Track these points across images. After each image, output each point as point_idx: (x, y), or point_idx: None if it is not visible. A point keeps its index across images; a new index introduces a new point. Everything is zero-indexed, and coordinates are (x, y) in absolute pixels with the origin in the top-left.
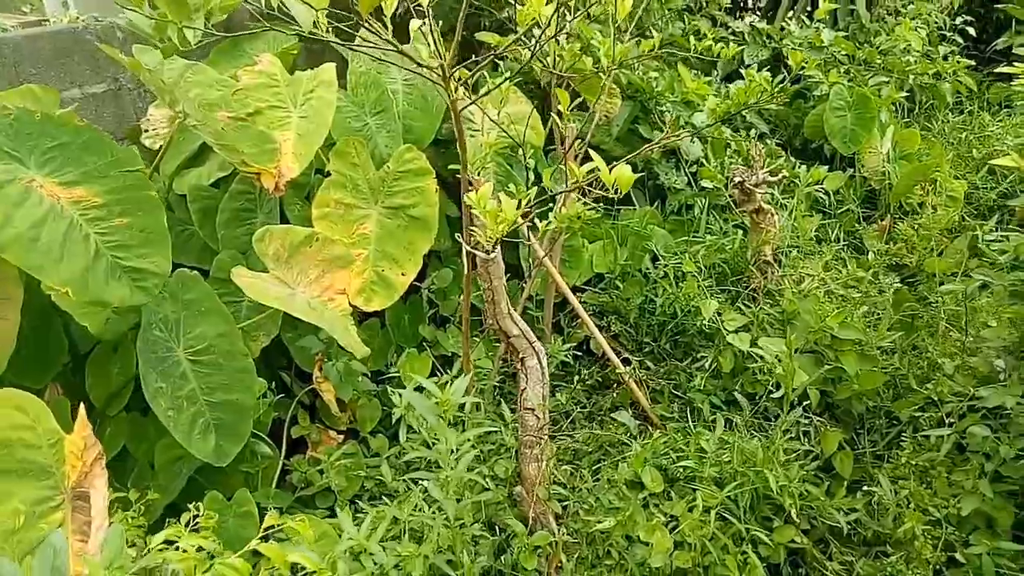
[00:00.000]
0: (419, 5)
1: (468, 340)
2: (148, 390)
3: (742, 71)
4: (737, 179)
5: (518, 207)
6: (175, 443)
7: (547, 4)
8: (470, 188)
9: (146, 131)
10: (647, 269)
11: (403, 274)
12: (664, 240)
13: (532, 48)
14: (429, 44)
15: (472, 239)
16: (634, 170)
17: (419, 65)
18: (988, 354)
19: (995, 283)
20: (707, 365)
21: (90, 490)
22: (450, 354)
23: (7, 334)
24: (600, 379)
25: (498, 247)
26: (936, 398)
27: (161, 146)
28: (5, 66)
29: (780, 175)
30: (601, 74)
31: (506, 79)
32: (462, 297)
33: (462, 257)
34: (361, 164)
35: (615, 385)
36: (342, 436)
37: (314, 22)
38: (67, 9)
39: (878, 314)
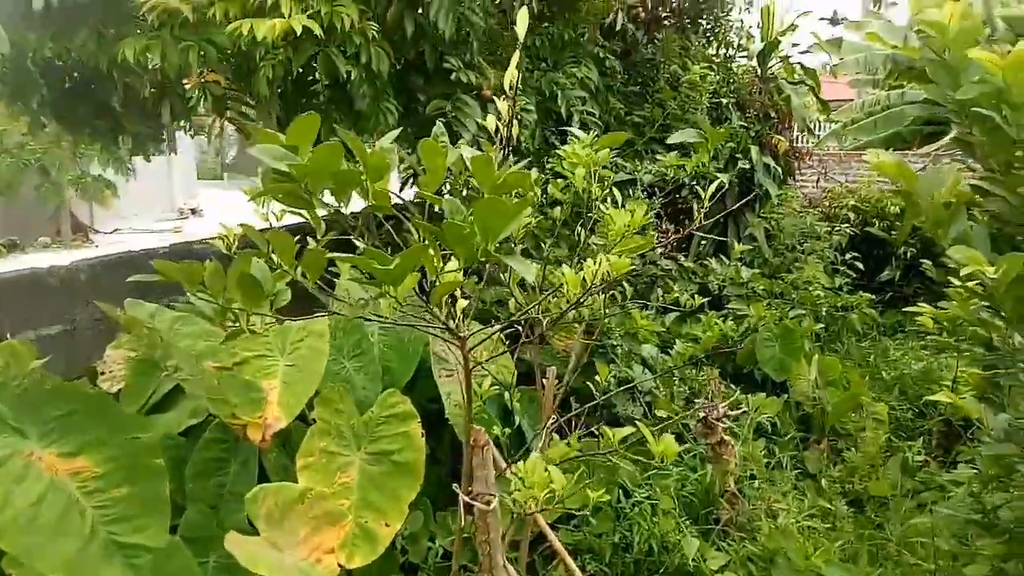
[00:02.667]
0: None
1: None
2: None
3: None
4: (701, 413)
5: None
6: None
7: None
8: (472, 444)
9: (102, 373)
10: (616, 503)
11: (387, 525)
12: (628, 472)
13: (531, 309)
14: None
15: (469, 490)
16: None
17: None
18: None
19: (955, 514)
20: None
21: None
22: None
23: None
24: None
25: (496, 498)
26: None
27: (119, 389)
28: None
29: (741, 409)
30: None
31: (498, 330)
32: (436, 543)
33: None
34: (345, 411)
35: None
36: None
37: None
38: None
39: (849, 546)
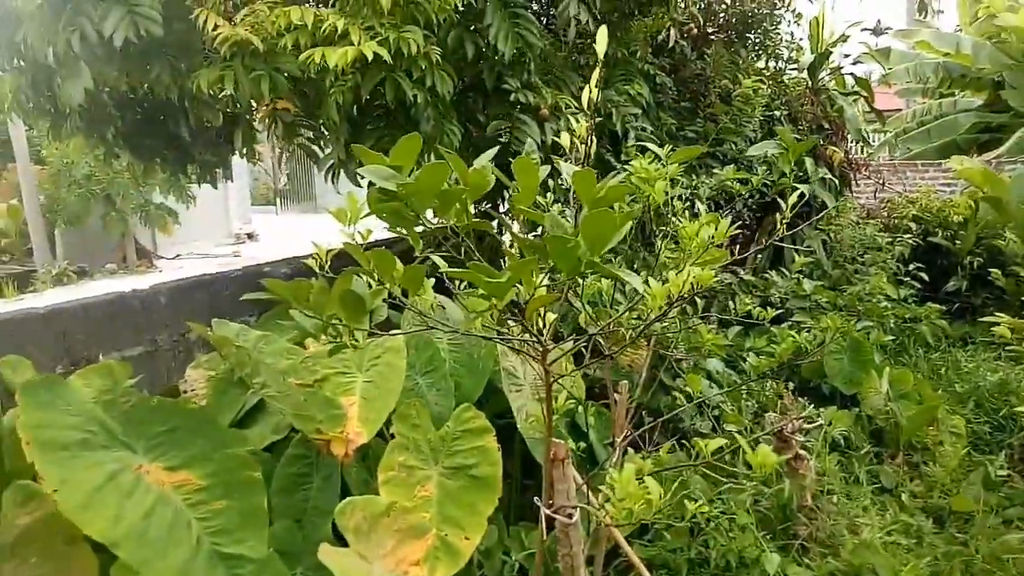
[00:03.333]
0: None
1: None
2: None
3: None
4: (776, 427)
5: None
6: None
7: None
8: (552, 457)
9: (184, 392)
10: (692, 519)
11: (467, 539)
12: (700, 484)
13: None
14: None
15: (550, 503)
16: (657, 416)
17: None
18: None
19: None
20: None
21: None
22: None
23: None
24: None
25: (577, 512)
26: None
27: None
28: (56, 334)
29: (816, 422)
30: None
31: (581, 343)
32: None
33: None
34: (422, 425)
35: None
36: None
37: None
38: (55, 259)
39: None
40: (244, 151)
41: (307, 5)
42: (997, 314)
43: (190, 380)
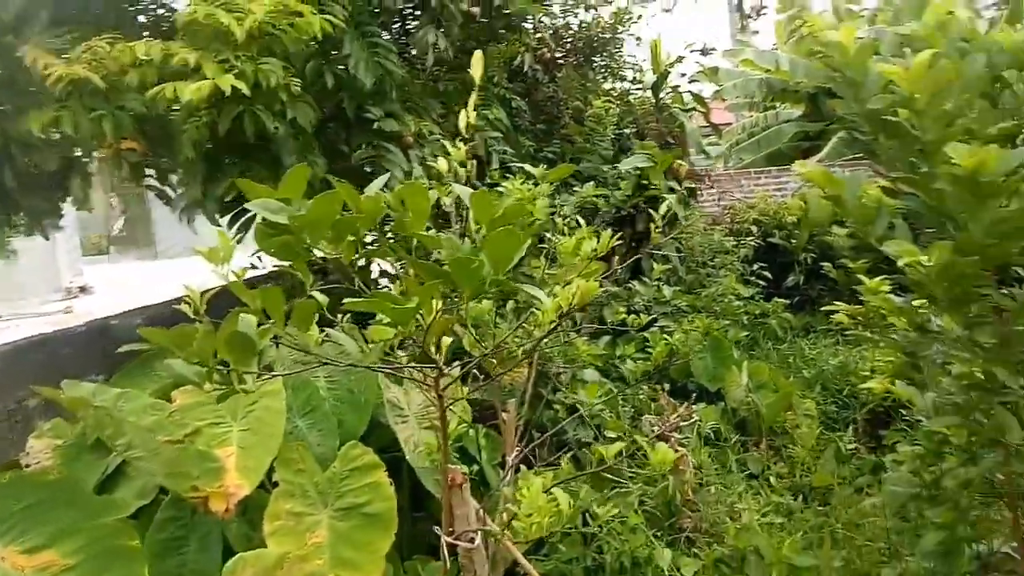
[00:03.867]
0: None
1: None
2: None
3: None
4: (656, 428)
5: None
6: None
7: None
8: (450, 484)
9: (27, 466)
10: (584, 526)
11: None
12: (588, 495)
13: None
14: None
15: (451, 530)
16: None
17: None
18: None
19: (899, 490)
20: None
21: None
22: None
23: None
24: None
25: (479, 536)
26: None
27: None
28: None
29: (693, 418)
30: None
31: (471, 366)
32: None
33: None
34: (307, 469)
35: None
36: None
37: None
38: None
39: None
40: (81, 197)
41: (150, 40)
42: (835, 303)
43: (33, 452)
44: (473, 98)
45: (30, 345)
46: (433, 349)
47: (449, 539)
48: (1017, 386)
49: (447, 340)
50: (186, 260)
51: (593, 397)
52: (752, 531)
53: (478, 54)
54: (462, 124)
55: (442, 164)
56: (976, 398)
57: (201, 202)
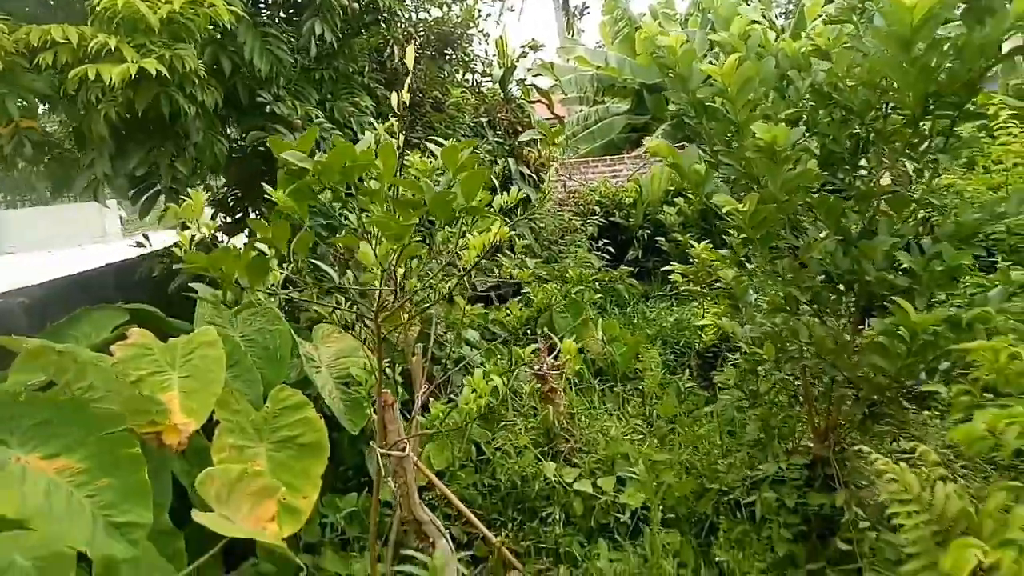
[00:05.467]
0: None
1: (375, 541)
2: None
3: None
4: (536, 369)
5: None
6: None
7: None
8: (383, 403)
9: None
10: (477, 458)
11: (304, 498)
12: (479, 432)
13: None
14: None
15: (384, 441)
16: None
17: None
18: (745, 449)
19: (728, 401)
20: (557, 516)
21: None
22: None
23: None
24: (471, 557)
25: (408, 445)
26: (726, 487)
27: None
28: None
29: (564, 363)
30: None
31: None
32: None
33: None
34: (242, 410)
35: (489, 556)
36: None
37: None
38: None
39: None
40: None
41: (67, 24)
42: (673, 264)
43: None
44: (407, 82)
45: None
46: (398, 277)
47: (382, 450)
48: (806, 302)
49: (400, 271)
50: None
51: (517, 313)
52: (619, 442)
53: (411, 47)
54: (395, 102)
55: (380, 130)
56: (780, 320)
57: (108, 177)
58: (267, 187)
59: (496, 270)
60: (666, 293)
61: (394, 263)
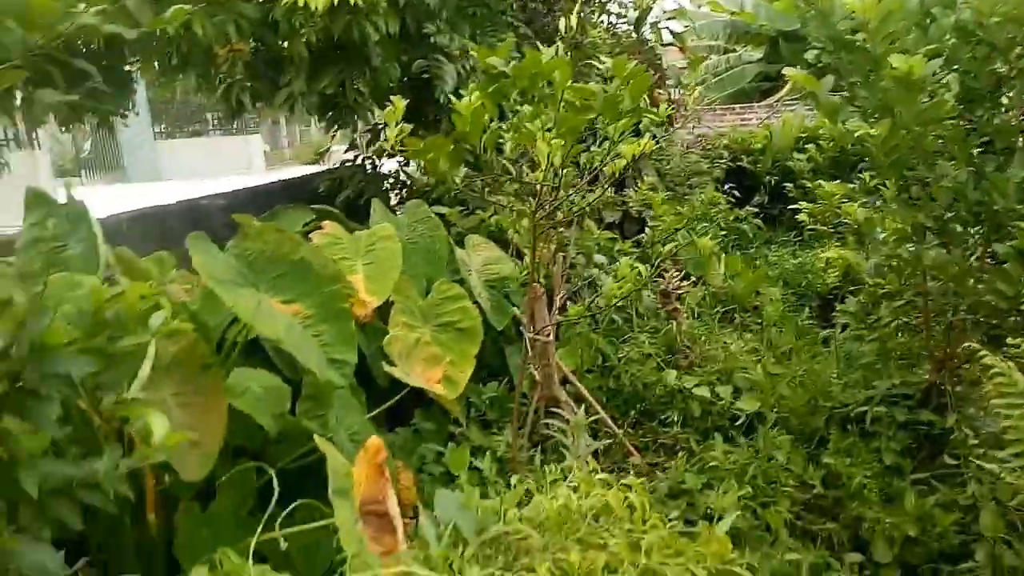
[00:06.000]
0: None
1: (519, 413)
2: None
3: None
4: (660, 288)
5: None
6: None
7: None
8: (533, 295)
9: None
10: (603, 363)
11: (462, 372)
12: (605, 341)
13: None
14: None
15: (532, 328)
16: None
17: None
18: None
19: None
20: (675, 418)
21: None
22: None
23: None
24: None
25: (552, 333)
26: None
27: None
28: None
29: (689, 282)
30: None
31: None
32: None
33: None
34: (412, 296)
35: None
36: None
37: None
38: None
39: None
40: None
41: None
42: (801, 204)
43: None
44: (577, 8)
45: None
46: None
47: (531, 334)
48: (933, 231)
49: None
50: (154, 184)
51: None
52: (737, 358)
53: None
54: (563, 26)
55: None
56: (904, 251)
57: (304, 95)
58: (452, 98)
59: (624, 202)
60: (790, 238)
61: (561, 161)
